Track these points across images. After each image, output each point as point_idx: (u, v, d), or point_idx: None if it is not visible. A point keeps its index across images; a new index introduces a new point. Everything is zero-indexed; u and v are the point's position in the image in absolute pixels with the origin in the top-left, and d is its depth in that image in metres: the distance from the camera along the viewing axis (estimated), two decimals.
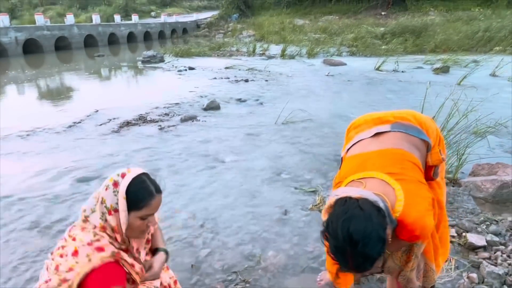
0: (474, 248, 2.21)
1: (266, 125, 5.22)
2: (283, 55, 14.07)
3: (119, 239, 1.35)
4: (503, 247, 2.21)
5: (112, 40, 23.13)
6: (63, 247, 1.31)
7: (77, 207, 2.93)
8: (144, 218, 1.34)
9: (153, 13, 35.97)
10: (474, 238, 2.24)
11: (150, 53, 13.28)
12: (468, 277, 1.96)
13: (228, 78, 9.37)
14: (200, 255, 2.29)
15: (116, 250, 1.32)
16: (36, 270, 2.16)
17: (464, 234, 2.34)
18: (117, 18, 25.30)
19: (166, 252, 1.55)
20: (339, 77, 9.36)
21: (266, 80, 8.97)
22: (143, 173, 1.37)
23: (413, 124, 1.40)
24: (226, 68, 11.20)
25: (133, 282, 1.38)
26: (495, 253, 2.16)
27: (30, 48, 17.68)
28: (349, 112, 5.67)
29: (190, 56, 14.71)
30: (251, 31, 23.53)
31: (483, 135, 3.81)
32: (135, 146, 4.37)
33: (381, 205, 1.12)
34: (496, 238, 2.28)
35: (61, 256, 1.29)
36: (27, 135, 4.91)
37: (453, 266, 2.03)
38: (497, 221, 2.52)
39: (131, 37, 24.68)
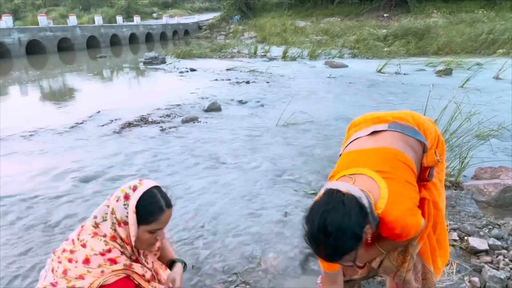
0: (476, 252, 2.20)
1: (267, 127, 5.22)
2: (284, 57, 14.08)
3: (129, 249, 1.36)
4: (505, 251, 2.20)
5: (114, 41, 23.23)
6: (72, 251, 1.31)
7: (79, 207, 2.94)
8: (153, 232, 1.35)
9: (155, 15, 36.09)
10: (476, 242, 2.23)
11: (151, 54, 13.32)
12: (469, 281, 1.94)
13: (229, 79, 9.38)
14: (201, 256, 2.29)
15: (128, 263, 1.33)
16: (38, 269, 2.16)
17: (466, 237, 2.33)
18: (119, 19, 25.41)
19: (183, 262, 1.58)
20: (340, 79, 9.36)
21: (267, 82, 8.98)
22: (155, 187, 1.37)
23: (411, 125, 1.41)
24: (228, 69, 11.21)
25: (140, 287, 1.40)
26: (497, 257, 2.15)
27: (33, 49, 17.77)
28: (351, 114, 5.66)
29: (192, 57, 14.75)
30: (253, 33, 23.57)
31: (486, 138, 3.80)
32: (137, 147, 4.38)
33: (365, 201, 1.16)
34: (498, 242, 2.26)
35: (70, 261, 1.29)
36: (30, 135, 4.92)
37: (454, 270, 2.02)
38: (499, 225, 2.50)
39: (133, 38, 24.77)
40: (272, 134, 4.89)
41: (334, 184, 1.24)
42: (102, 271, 1.27)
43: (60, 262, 1.31)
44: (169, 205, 1.37)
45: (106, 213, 1.34)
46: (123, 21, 26.12)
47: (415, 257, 1.44)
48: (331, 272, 1.44)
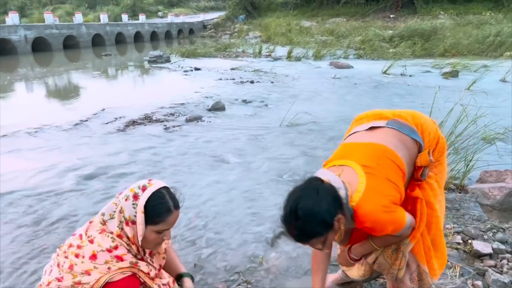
0: (479, 256, 2.18)
1: (271, 127, 5.22)
2: (289, 57, 14.06)
3: (135, 249, 1.38)
4: (509, 255, 2.17)
5: (119, 39, 23.32)
6: (79, 246, 1.32)
7: (82, 204, 2.95)
8: (160, 232, 1.36)
9: (160, 13, 36.20)
10: (480, 246, 2.21)
11: (156, 53, 13.35)
12: (473, 285, 1.93)
13: (234, 79, 9.39)
14: (203, 254, 2.29)
15: (134, 261, 1.34)
16: (42, 264, 2.17)
17: (470, 241, 2.31)
18: (125, 17, 25.51)
19: (191, 277, 1.61)
20: (345, 80, 9.33)
21: (272, 82, 8.97)
22: (164, 187, 1.38)
23: (408, 123, 1.42)
24: (232, 69, 11.22)
25: (145, 285, 1.41)
26: (501, 261, 2.13)
27: (39, 46, 17.89)
28: (355, 115, 5.62)
29: (196, 56, 14.77)
30: (258, 33, 23.57)
31: (492, 142, 3.77)
32: (140, 145, 4.39)
33: (342, 192, 1.24)
34: (502, 246, 2.24)
35: (77, 256, 1.30)
36: (35, 132, 4.95)
37: (457, 273, 2.00)
38: (504, 229, 2.48)
39: (138, 37, 24.86)
40: (276, 134, 4.88)
41: (320, 173, 1.34)
42: (109, 268, 1.28)
43: (66, 257, 1.32)
44: (177, 206, 1.38)
45: (114, 211, 1.35)
46: (129, 20, 26.23)
47: (407, 256, 1.46)
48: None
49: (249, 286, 2.01)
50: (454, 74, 9.80)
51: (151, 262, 1.46)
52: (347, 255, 1.57)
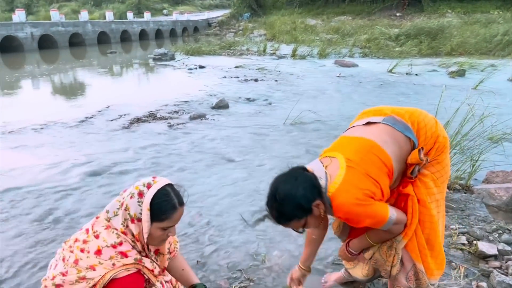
0: (484, 257, 2.16)
1: (275, 125, 5.20)
2: (294, 55, 14.02)
3: (139, 246, 1.38)
4: None
5: (125, 37, 23.39)
6: (85, 241, 1.33)
7: (86, 200, 2.97)
8: (165, 229, 1.37)
9: (165, 11, 36.25)
10: (485, 247, 2.19)
11: (161, 51, 13.37)
12: (477, 286, 1.91)
13: (238, 77, 9.38)
14: (206, 251, 2.30)
15: (138, 257, 1.35)
16: (47, 258, 2.18)
17: (475, 242, 2.28)
18: (130, 15, 25.56)
19: (204, 287, 1.61)
20: (350, 79, 9.29)
21: (276, 80, 8.95)
22: (168, 185, 1.39)
23: (404, 121, 1.42)
24: (236, 67, 11.21)
25: (149, 282, 1.42)
26: (506, 262, 2.10)
27: (45, 43, 18.00)
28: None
29: (201, 54, 14.77)
30: (262, 31, 23.50)
31: (499, 142, 3.72)
32: (145, 143, 4.40)
33: (322, 182, 1.34)
34: (508, 247, 2.22)
35: (82, 251, 1.30)
36: (41, 128, 4.99)
37: (462, 274, 1.98)
38: (510, 230, 2.45)
39: (143, 35, 24.91)
40: (280, 132, 4.87)
41: (312, 163, 1.46)
42: (113, 264, 1.28)
43: (72, 252, 1.33)
44: (181, 203, 1.39)
45: (118, 208, 1.36)
46: (134, 17, 26.29)
47: (400, 253, 1.47)
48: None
49: (251, 284, 2.01)
50: (461, 73, 9.71)
51: (155, 260, 1.47)
52: (346, 249, 1.61)
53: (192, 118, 5.51)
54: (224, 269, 2.13)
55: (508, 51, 13.51)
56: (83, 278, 1.27)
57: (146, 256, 1.43)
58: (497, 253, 2.16)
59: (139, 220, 1.33)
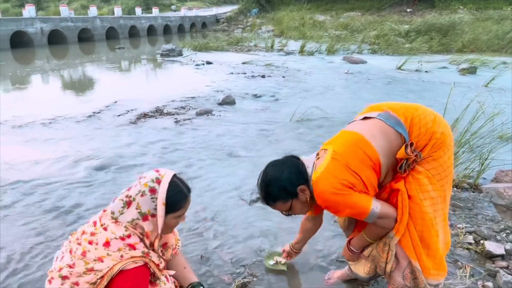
0: (491, 257, 2.12)
1: (281, 121, 5.18)
2: (302, 51, 13.94)
3: (147, 242, 1.40)
4: None
5: (133, 32, 23.48)
6: (92, 233, 1.35)
7: (93, 194, 3.00)
8: (178, 217, 1.44)
9: (173, 7, 36.28)
10: (493, 246, 2.16)
11: (169, 46, 13.40)
12: (483, 286, 1.88)
13: (245, 73, 9.36)
14: (210, 247, 2.30)
15: (145, 250, 1.37)
16: (54, 251, 2.20)
17: (482, 241, 2.25)
18: (138, 11, 25.64)
19: (202, 286, 1.67)
20: (358, 75, 9.21)
21: (283, 77, 8.91)
22: (174, 175, 1.44)
23: (396, 116, 1.43)
24: (243, 63, 11.18)
25: (154, 275, 1.45)
26: None
27: (55, 39, 18.16)
28: None
29: (208, 50, 14.77)
30: (270, 26, 23.40)
31: (509, 140, 3.65)
32: (151, 138, 4.42)
33: (309, 170, 1.47)
34: None
35: (90, 243, 1.32)
36: (50, 123, 5.04)
37: (468, 274, 1.96)
38: None
39: (151, 30, 24.98)
40: (286, 129, 4.85)
41: (310, 155, 1.58)
42: (121, 256, 1.30)
43: (79, 244, 1.34)
44: (189, 190, 1.48)
45: (122, 207, 1.38)
46: (142, 13, 26.36)
47: (394, 250, 1.47)
48: (310, 215, 1.81)
49: (254, 279, 2.01)
50: (471, 70, 9.55)
51: (161, 254, 1.49)
52: (347, 247, 1.64)
53: (199, 114, 5.51)
54: (227, 264, 2.13)
55: None
56: (91, 269, 1.28)
57: (154, 250, 1.45)
58: (504, 253, 2.13)
59: (153, 216, 1.36)
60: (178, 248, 1.69)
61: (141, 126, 4.92)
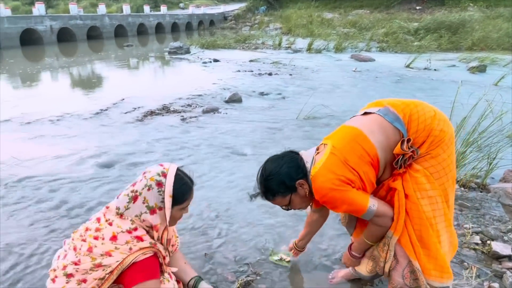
0: (498, 257, 2.10)
1: (288, 119, 5.17)
2: (309, 49, 13.88)
3: (154, 235, 1.42)
4: None
5: (141, 30, 23.61)
6: (97, 229, 1.35)
7: (99, 191, 3.02)
8: (183, 208, 1.48)
9: (181, 4, 36.37)
10: (499, 247, 2.13)
11: (176, 44, 13.45)
12: (489, 287, 1.86)
13: (252, 71, 9.35)
14: (214, 244, 2.31)
15: (153, 241, 1.39)
16: (59, 247, 2.23)
17: (489, 242, 2.22)
18: (147, 8, 25.76)
19: (201, 278, 1.70)
20: (366, 73, 9.13)
21: (290, 74, 8.88)
22: (177, 169, 1.48)
23: (395, 111, 1.43)
24: (251, 61, 11.17)
25: (160, 270, 1.47)
26: None
27: (64, 36, 18.34)
28: None
29: (216, 48, 14.79)
30: (278, 24, 23.34)
31: None
32: (158, 135, 4.45)
33: (308, 165, 1.48)
34: None
35: (96, 238, 1.32)
36: (57, 120, 5.10)
37: (474, 274, 1.93)
38: None
39: (159, 28, 25.09)
40: (292, 127, 4.84)
41: (309, 149, 1.57)
42: (130, 248, 1.31)
43: (84, 241, 1.34)
44: (192, 182, 1.52)
45: (128, 202, 1.39)
46: (150, 11, 26.47)
47: (392, 249, 1.46)
48: (315, 208, 1.77)
49: (258, 277, 2.00)
50: (481, 69, 9.42)
51: (166, 247, 1.51)
52: (349, 253, 1.64)
53: (205, 112, 5.53)
54: (231, 262, 2.13)
55: None
56: (99, 265, 1.28)
57: (161, 243, 1.47)
58: (511, 253, 2.10)
59: (161, 208, 1.39)
60: (177, 245, 1.71)
61: (147, 124, 4.95)
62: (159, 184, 1.38)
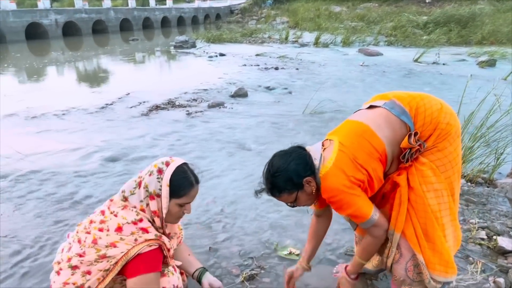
0: (504, 253, 2.07)
1: (294, 114, 5.15)
2: (316, 43, 13.79)
3: (157, 223, 1.41)
4: None
5: (147, 24, 23.60)
6: (102, 221, 1.35)
7: (104, 185, 3.05)
8: (182, 205, 1.42)
9: None
10: (505, 242, 2.10)
11: (182, 38, 13.43)
12: (494, 282, 1.84)
13: (258, 65, 9.31)
14: (219, 238, 2.31)
15: (158, 234, 1.39)
16: (64, 240, 2.25)
17: (494, 237, 2.20)
18: (152, 2, 25.71)
19: (205, 269, 1.70)
20: (374, 68, 9.06)
21: (297, 69, 8.83)
22: (184, 163, 1.45)
23: (401, 105, 1.41)
24: (257, 55, 11.13)
25: (164, 262, 1.45)
26: None
27: (69, 30, 18.41)
28: None
29: (222, 42, 14.75)
30: (285, 18, 23.19)
31: None
32: (163, 130, 4.46)
33: (316, 162, 1.42)
34: None
35: (101, 230, 1.33)
36: (63, 114, 5.14)
37: (479, 269, 1.92)
38: None
39: (165, 22, 25.06)
40: (298, 122, 4.82)
41: (315, 144, 1.53)
42: (136, 239, 1.31)
43: (88, 233, 1.35)
44: (197, 181, 1.47)
45: (135, 188, 1.40)
46: (156, 4, 26.43)
47: (395, 246, 1.46)
48: (317, 209, 1.70)
49: (262, 271, 2.01)
50: (491, 63, 9.30)
51: (170, 240, 1.51)
52: (345, 275, 1.64)
53: (211, 106, 5.53)
54: (235, 256, 2.14)
55: None
56: (103, 256, 1.28)
57: (164, 233, 1.46)
58: None
59: (158, 196, 1.37)
60: (181, 238, 1.71)
61: (153, 118, 4.97)
62: (160, 171, 1.38)
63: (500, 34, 13.77)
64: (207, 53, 11.63)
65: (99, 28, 20.17)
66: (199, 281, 1.65)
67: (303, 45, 13.98)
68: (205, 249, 2.20)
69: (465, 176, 3.06)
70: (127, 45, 15.36)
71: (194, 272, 1.66)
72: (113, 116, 5.05)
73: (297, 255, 2.10)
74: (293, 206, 1.56)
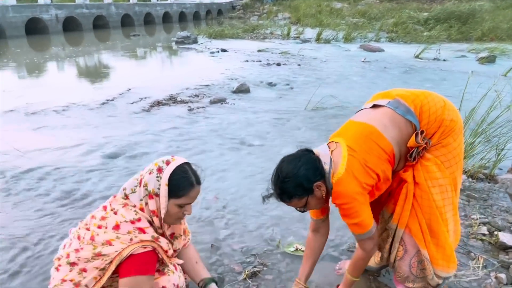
0: (505, 248, 2.09)
1: (295, 110, 5.15)
2: (318, 39, 13.75)
3: (156, 222, 1.39)
4: None
5: (148, 20, 23.49)
6: (103, 218, 1.35)
7: (105, 182, 3.04)
8: (182, 206, 1.39)
9: None
10: (507, 238, 2.12)
11: (184, 34, 13.38)
12: (496, 277, 1.86)
13: (260, 61, 9.29)
14: (221, 235, 2.32)
15: (155, 235, 1.36)
16: (65, 236, 2.26)
17: (496, 232, 2.22)
18: None
19: (215, 281, 1.63)
20: (375, 64, 9.04)
21: (299, 65, 8.81)
22: (186, 163, 1.42)
23: (406, 104, 1.41)
24: (259, 51, 11.10)
25: (162, 262, 1.44)
26: None
27: (70, 26, 18.30)
28: None
29: (224, 37, 14.70)
30: (287, 14, 23.08)
31: None
32: (164, 126, 4.46)
33: (326, 167, 1.38)
34: None
35: (100, 227, 1.32)
36: (63, 110, 5.11)
37: (480, 265, 1.93)
38: None
39: (166, 17, 24.94)
40: (300, 118, 4.82)
41: (320, 147, 1.48)
42: (131, 239, 1.29)
43: (88, 229, 1.35)
44: (198, 181, 1.42)
45: (136, 186, 1.39)
46: (157, 0, 26.28)
47: (397, 241, 1.47)
48: (316, 218, 1.68)
49: (265, 268, 2.01)
50: (491, 59, 9.32)
51: (170, 241, 1.49)
52: None
53: (213, 102, 5.52)
54: (238, 253, 2.14)
55: None
56: (99, 254, 1.28)
57: (163, 235, 1.45)
58: None
59: (157, 195, 1.35)
60: (188, 241, 1.67)
61: (154, 114, 4.97)
62: (159, 170, 1.36)
63: (500, 31, 13.78)
64: (208, 48, 11.59)
65: (100, 24, 20.08)
66: None
67: (305, 41, 13.93)
68: (207, 245, 2.20)
69: (466, 172, 3.08)
70: (128, 41, 15.30)
71: (199, 282, 1.63)
72: (114, 112, 5.04)
73: (303, 251, 2.09)
74: (303, 211, 1.53)
